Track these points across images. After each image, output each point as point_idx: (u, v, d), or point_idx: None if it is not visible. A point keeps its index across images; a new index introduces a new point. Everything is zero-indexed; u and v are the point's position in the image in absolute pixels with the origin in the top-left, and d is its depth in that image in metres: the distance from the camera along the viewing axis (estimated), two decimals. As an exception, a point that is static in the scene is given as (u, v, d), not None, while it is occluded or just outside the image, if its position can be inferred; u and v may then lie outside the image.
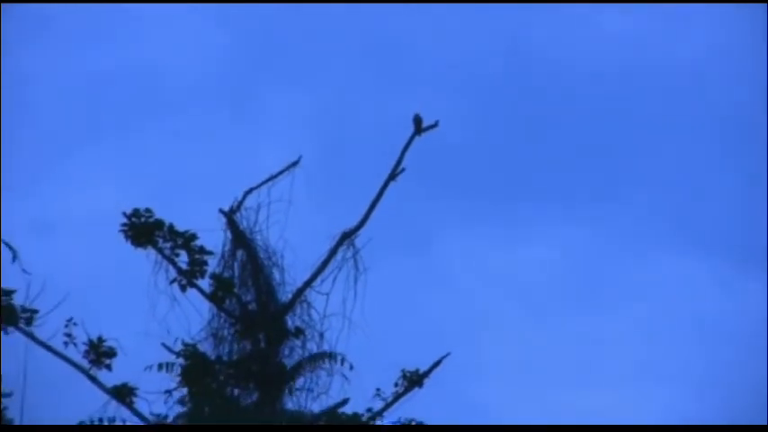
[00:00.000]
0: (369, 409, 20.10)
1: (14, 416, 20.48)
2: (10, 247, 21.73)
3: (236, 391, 19.00)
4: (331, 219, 20.08)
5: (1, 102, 24.34)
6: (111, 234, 19.24)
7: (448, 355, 20.00)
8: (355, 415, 20.39)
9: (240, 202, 19.44)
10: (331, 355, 19.30)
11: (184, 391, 18.87)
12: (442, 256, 19.23)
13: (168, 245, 19.10)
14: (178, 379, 18.90)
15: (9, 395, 22.16)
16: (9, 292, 18.52)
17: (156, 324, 18.77)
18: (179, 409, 18.88)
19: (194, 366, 18.77)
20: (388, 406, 19.97)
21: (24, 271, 20.66)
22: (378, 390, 19.87)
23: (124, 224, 18.99)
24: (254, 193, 19.51)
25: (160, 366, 18.87)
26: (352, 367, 19.35)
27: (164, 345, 18.90)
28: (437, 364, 19.98)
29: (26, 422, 19.20)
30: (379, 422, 20.16)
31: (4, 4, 28.01)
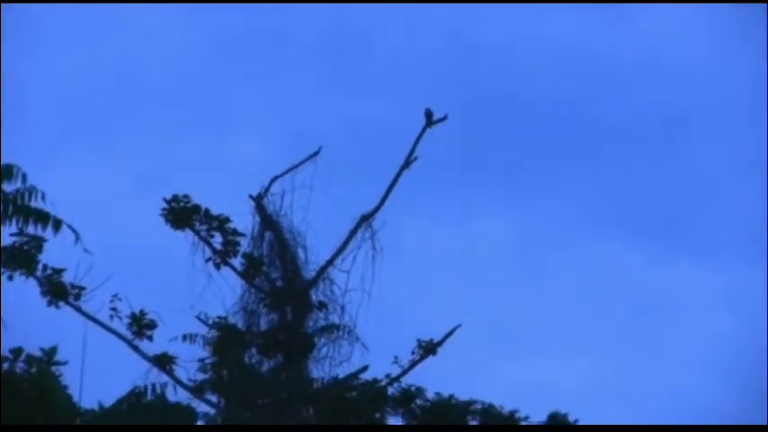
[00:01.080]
0: (387, 375, 22.06)
1: (71, 382, 22.82)
2: (72, 230, 24.10)
3: (261, 360, 20.97)
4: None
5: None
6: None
7: (459, 326, 21.85)
8: (375, 380, 22.39)
9: (267, 189, 21.28)
10: (340, 327, 21.16)
11: (214, 359, 20.94)
12: (396, 235, 21.07)
13: (204, 227, 21.02)
14: (210, 348, 20.97)
15: (65, 363, 24.55)
16: (59, 271, 20.66)
17: (194, 299, 20.80)
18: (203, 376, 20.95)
19: (226, 337, 20.78)
20: (405, 372, 21.89)
21: (86, 251, 23.00)
22: (395, 357, 21.78)
23: (164, 209, 20.95)
24: (279, 180, 21.33)
25: (184, 337, 20.96)
26: (358, 338, 21.18)
27: (197, 317, 20.93)
28: (449, 334, 21.82)
29: (84, 388, 21.51)
30: (395, 387, 22.16)
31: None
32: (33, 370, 24.04)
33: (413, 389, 22.63)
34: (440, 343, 21.79)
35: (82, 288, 20.57)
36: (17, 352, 23.93)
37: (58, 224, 24.31)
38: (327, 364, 21.20)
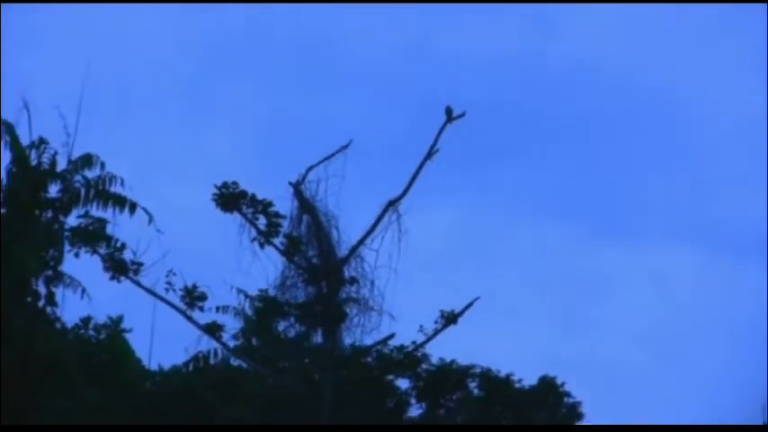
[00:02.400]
0: (413, 342, 24.60)
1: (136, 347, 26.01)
2: (146, 212, 27.32)
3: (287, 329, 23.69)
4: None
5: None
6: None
7: (478, 298, 24.21)
8: (402, 347, 24.99)
9: (304, 177, 23.68)
10: (369, 299, 23.63)
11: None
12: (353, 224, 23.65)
13: (250, 210, 23.62)
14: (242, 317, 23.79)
15: (130, 330, 27.77)
16: (120, 249, 23.58)
17: (240, 274, 23.54)
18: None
19: (267, 307, 23.52)
20: (429, 339, 24.32)
21: (158, 231, 26.15)
22: (421, 326, 24.24)
23: (215, 194, 23.61)
24: (314, 169, 23.81)
25: (218, 308, 23.74)
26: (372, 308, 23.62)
27: (240, 290, 23.70)
28: (469, 305, 24.16)
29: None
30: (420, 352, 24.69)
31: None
32: (102, 336, 27.31)
33: (419, 355, 25.06)
34: (460, 313, 24.11)
35: (140, 264, 23.49)
36: (86, 320, 27.17)
37: (133, 207, 27.66)
38: (359, 332, 23.73)
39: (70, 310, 28.06)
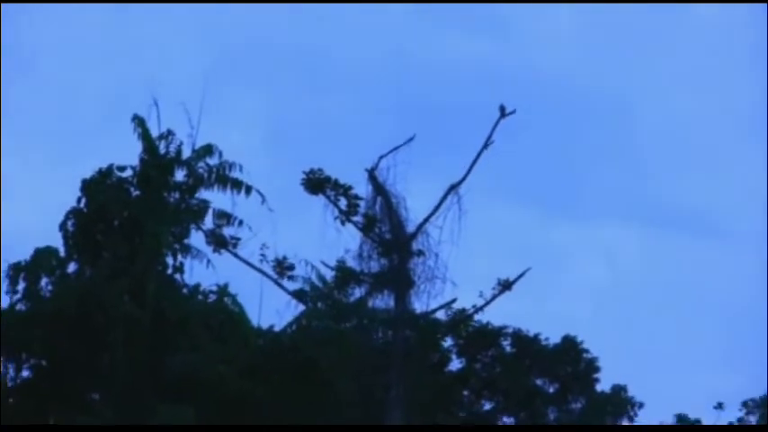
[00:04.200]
0: (473, 305, 28.30)
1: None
2: (260, 193, 31.47)
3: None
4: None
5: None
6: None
7: (529, 269, 27.70)
8: (463, 310, 28.69)
9: (376, 165, 27.50)
10: (434, 269, 27.32)
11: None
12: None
13: (333, 193, 27.59)
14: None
15: (236, 295, 31.81)
16: (220, 225, 27.94)
17: (325, 248, 27.58)
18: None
19: (344, 276, 27.49)
20: (487, 303, 28.02)
21: (270, 210, 30.34)
22: (480, 291, 27.94)
23: (303, 179, 27.62)
24: (386, 158, 27.54)
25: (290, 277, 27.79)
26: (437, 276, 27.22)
27: (322, 262, 27.77)
28: (522, 275, 27.68)
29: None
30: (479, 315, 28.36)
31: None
32: (219, 300, 31.46)
33: (460, 317, 28.69)
34: (514, 281, 27.73)
35: (238, 239, 27.80)
36: (196, 287, 31.51)
37: (249, 189, 31.89)
38: (425, 297, 27.52)
39: (195, 277, 32.41)
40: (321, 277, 31.59)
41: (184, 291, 32.31)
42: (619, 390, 37.80)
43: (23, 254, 31.05)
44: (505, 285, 27.68)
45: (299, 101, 58.96)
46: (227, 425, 27.29)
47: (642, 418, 38.33)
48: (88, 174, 31.59)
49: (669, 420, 37.83)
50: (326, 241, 27.29)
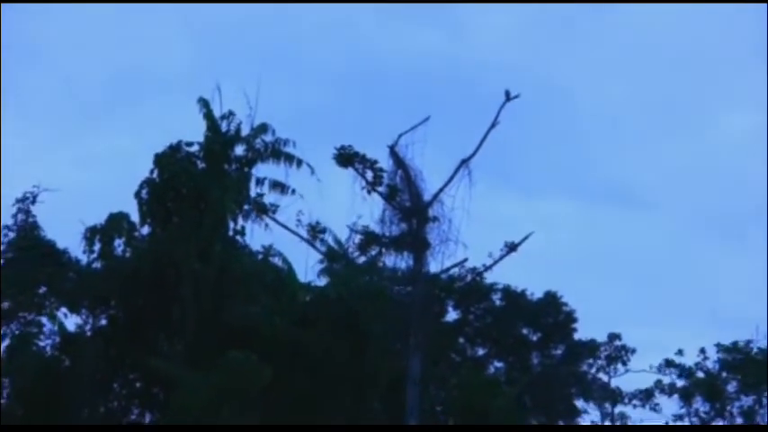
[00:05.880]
0: (483, 264, 31.89)
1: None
2: (309, 166, 35.36)
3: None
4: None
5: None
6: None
7: (532, 233, 31.16)
8: (474, 268, 32.32)
9: (396, 141, 30.98)
10: (448, 233, 30.91)
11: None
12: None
13: (360, 166, 31.19)
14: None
15: (277, 255, 35.74)
16: (261, 195, 32.09)
17: (353, 213, 31.41)
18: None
19: (367, 239, 31.32)
20: (495, 262, 31.53)
21: (318, 180, 34.28)
22: (490, 252, 31.55)
23: (334, 154, 31.33)
24: (405, 135, 31.02)
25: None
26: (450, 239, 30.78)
27: (348, 226, 31.66)
28: (526, 238, 31.14)
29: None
30: (488, 273, 32.03)
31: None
32: (258, 259, 35.50)
33: (455, 277, 32.22)
34: (519, 244, 31.22)
35: (276, 206, 31.85)
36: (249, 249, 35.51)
37: (299, 162, 35.76)
38: (440, 258, 31.08)
39: (256, 238, 36.57)
40: (338, 241, 35.24)
41: (245, 251, 36.33)
42: (614, 337, 43.38)
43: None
44: (511, 247, 31.14)
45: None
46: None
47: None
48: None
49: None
50: (354, 209, 30.99)
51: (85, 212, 35.75)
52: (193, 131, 36.34)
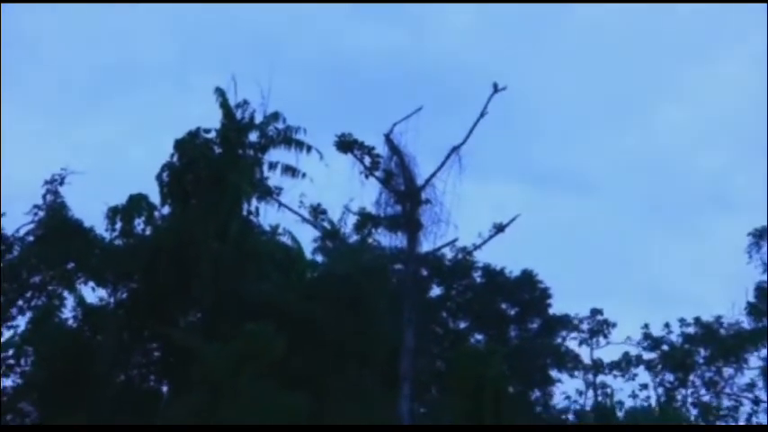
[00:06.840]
0: (473, 244, 34.23)
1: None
2: (318, 151, 37.59)
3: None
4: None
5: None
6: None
7: (519, 215, 33.37)
8: (464, 248, 34.62)
9: (392, 130, 33.30)
10: (439, 214, 33.15)
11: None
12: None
13: (359, 152, 33.61)
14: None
15: (284, 234, 37.89)
16: (266, 178, 34.53)
17: (353, 196, 33.82)
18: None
19: (363, 219, 33.67)
20: (484, 242, 33.97)
21: (326, 165, 36.53)
22: (479, 233, 33.96)
23: (335, 141, 33.76)
24: (400, 124, 33.31)
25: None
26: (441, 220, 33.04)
27: (345, 207, 34.01)
28: (513, 220, 33.38)
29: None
30: (477, 252, 34.33)
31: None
32: (263, 238, 37.73)
33: (440, 255, 34.47)
34: (506, 225, 33.52)
35: (280, 188, 34.29)
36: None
37: (309, 148, 38.07)
38: (432, 237, 33.41)
39: (269, 218, 38.93)
40: (330, 221, 37.51)
41: (259, 230, 38.69)
42: (596, 312, 46.56)
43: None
44: (499, 228, 33.48)
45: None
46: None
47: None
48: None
49: None
50: (353, 191, 33.43)
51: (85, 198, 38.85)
52: (179, 121, 38.80)
